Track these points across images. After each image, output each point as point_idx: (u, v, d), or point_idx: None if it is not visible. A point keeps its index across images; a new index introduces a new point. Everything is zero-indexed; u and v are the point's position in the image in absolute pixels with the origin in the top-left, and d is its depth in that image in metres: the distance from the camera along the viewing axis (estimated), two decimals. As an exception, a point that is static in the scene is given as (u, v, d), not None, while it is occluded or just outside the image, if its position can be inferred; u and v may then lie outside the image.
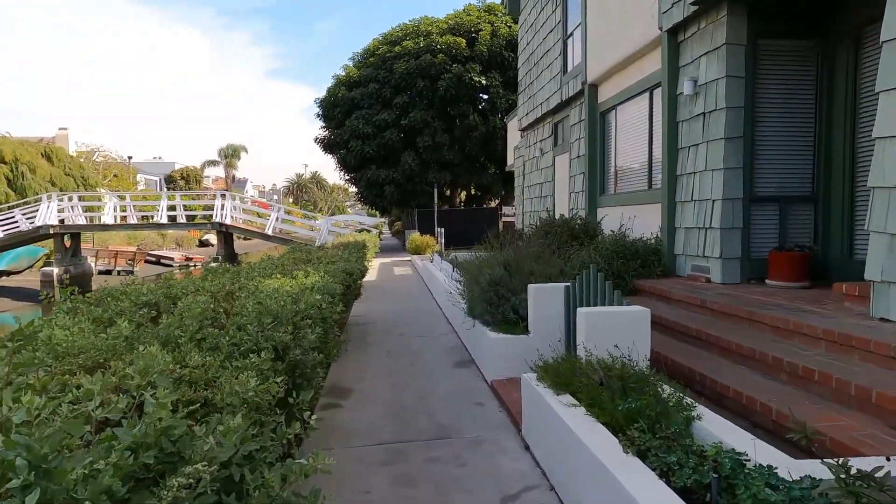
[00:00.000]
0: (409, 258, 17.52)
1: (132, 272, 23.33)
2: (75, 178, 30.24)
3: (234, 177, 59.79)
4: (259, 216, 22.47)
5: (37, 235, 19.95)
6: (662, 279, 5.90)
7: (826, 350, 3.31)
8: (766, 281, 5.23)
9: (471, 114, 23.01)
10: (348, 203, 71.91)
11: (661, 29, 6.22)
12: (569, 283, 4.11)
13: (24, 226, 20.13)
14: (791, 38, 5.40)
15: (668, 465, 2.13)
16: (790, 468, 2.01)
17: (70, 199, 21.41)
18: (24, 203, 22.28)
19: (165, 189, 44.31)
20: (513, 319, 4.43)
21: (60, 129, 39.05)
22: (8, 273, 20.92)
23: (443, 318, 7.37)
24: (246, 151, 58.88)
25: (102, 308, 3.02)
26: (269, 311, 2.53)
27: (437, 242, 17.15)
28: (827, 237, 5.43)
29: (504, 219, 23.80)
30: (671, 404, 2.65)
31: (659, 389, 2.79)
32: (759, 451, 2.16)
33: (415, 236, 18.44)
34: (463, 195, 28.90)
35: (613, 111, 8.09)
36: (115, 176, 38.53)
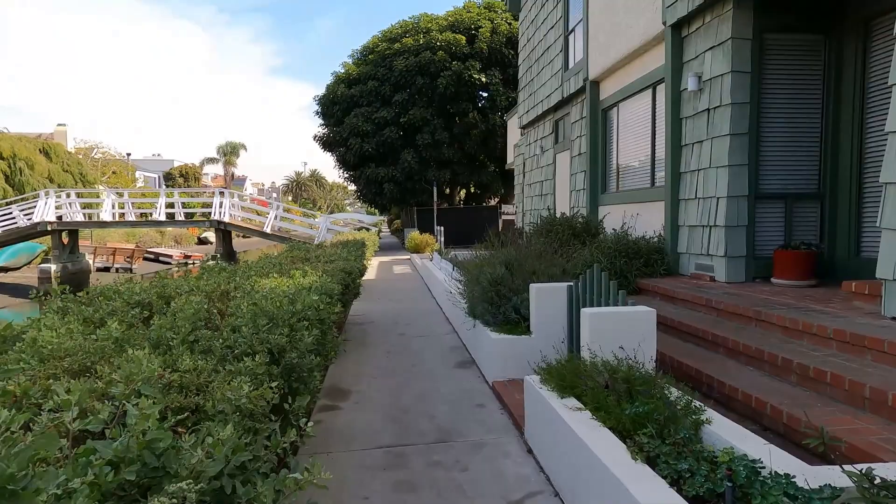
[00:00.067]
0: (408, 257, 17.44)
1: (130, 269, 23.24)
2: (74, 174, 30.10)
3: (233, 174, 59.62)
4: (258, 214, 22.37)
5: (34, 232, 19.85)
6: (666, 278, 5.81)
7: (837, 350, 3.23)
8: (772, 279, 5.15)
9: (470, 111, 22.90)
10: (347, 201, 71.80)
11: (664, 24, 6.13)
12: (571, 283, 4.02)
13: (22, 222, 20.01)
14: (798, 31, 5.31)
15: (679, 473, 2.05)
16: (807, 476, 1.93)
17: (68, 195, 21.30)
18: (22, 199, 22.16)
19: (164, 186, 44.17)
20: (514, 319, 4.35)
21: (59, 125, 38.88)
22: (6, 269, 20.82)
23: (443, 317, 7.28)
24: (245, 149, 58.70)
25: (94, 308, 2.93)
26: (265, 313, 2.44)
27: (437, 241, 17.06)
28: (833, 235, 5.35)
29: (504, 217, 23.70)
30: (679, 408, 2.57)
31: (666, 392, 2.71)
32: (774, 458, 2.08)
33: (414, 235, 18.35)
34: (462, 193, 28.80)
35: (615, 108, 8.00)
36: (113, 173, 38.39)
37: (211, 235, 31.01)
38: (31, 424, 1.20)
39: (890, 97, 4.66)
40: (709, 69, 5.52)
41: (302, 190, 69.27)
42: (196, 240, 36.15)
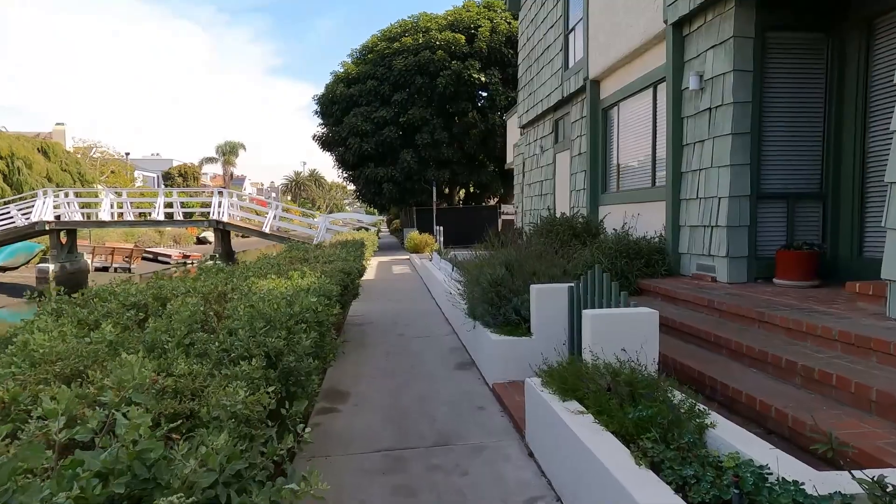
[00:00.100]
0: (407, 257, 17.39)
1: (129, 269, 23.18)
2: (72, 173, 30.02)
3: (231, 174, 59.52)
4: (257, 214, 22.32)
5: (32, 232, 19.78)
6: (667, 278, 5.78)
7: (842, 352, 3.19)
8: (774, 280, 5.12)
9: (470, 111, 22.85)
10: (347, 201, 71.74)
11: (666, 22, 6.09)
12: (572, 284, 3.98)
13: (20, 221, 19.94)
14: (799, 30, 5.27)
15: (685, 479, 2.01)
16: (815, 482, 1.89)
17: (66, 195, 21.23)
18: (20, 198, 22.08)
19: (163, 186, 44.09)
20: (515, 321, 4.30)
21: (57, 124, 38.77)
22: (4, 269, 20.75)
23: (442, 318, 7.24)
24: (244, 149, 58.61)
25: (89, 309, 2.88)
26: (262, 315, 2.40)
27: (436, 241, 17.01)
28: (836, 235, 5.31)
29: (503, 217, 23.66)
30: (683, 411, 2.53)
31: (669, 395, 2.67)
32: (782, 463, 2.04)
33: (413, 235, 18.30)
34: (462, 193, 28.75)
35: (616, 107, 7.96)
36: (112, 172, 38.29)
37: (210, 235, 30.95)
38: (17, 433, 1.16)
39: (893, 96, 4.64)
40: (710, 68, 5.48)
41: (301, 190, 69.18)
42: (195, 239, 36.08)
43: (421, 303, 8.68)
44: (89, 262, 22.13)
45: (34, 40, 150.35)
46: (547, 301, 4.04)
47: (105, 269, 22.91)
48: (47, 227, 19.33)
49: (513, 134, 15.72)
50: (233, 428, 1.63)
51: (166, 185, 44.43)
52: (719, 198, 5.35)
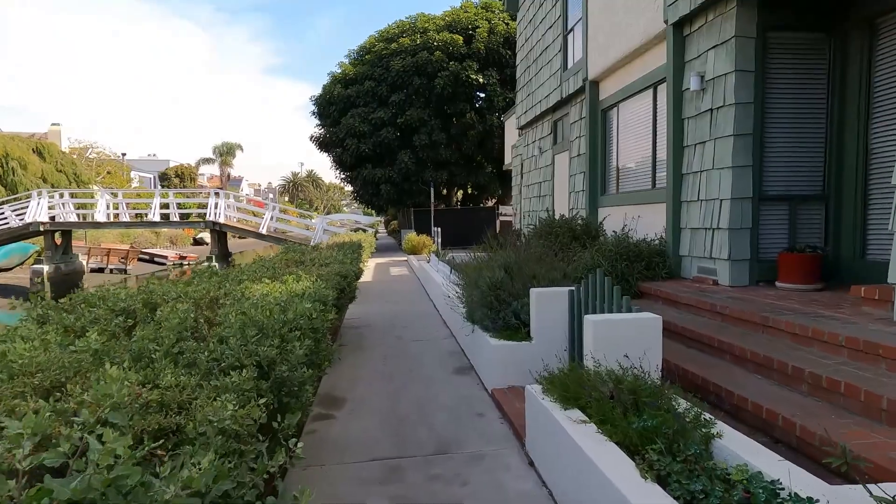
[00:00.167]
0: (405, 258, 17.31)
1: (125, 270, 23.04)
2: (67, 174, 29.84)
3: (229, 175, 59.33)
4: (254, 215, 22.20)
5: (27, 232, 19.63)
6: (668, 281, 5.71)
7: (849, 359, 3.12)
8: (776, 283, 5.05)
9: (468, 112, 22.79)
10: (344, 202, 71.64)
11: (666, 22, 6.02)
12: (573, 287, 3.91)
13: (14, 222, 19.79)
14: (802, 30, 5.21)
15: (693, 494, 1.93)
16: (829, 498, 1.82)
17: (61, 195, 21.07)
18: (15, 199, 21.93)
19: (159, 187, 43.90)
20: (514, 325, 4.23)
21: (53, 124, 38.55)
22: (-2, 270, 20.59)
23: (440, 320, 7.16)
24: (241, 149, 58.43)
25: (75, 315, 2.79)
26: (254, 323, 2.31)
27: (434, 242, 16.93)
28: (838, 237, 5.25)
29: (501, 218, 23.58)
30: (688, 420, 2.46)
31: (674, 403, 2.60)
32: (793, 477, 1.96)
33: (411, 236, 18.21)
34: (460, 194, 28.67)
35: (615, 108, 7.90)
36: (108, 173, 38.09)
37: (207, 236, 30.78)
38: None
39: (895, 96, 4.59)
40: (711, 68, 5.42)
41: (298, 190, 69.03)
42: (192, 240, 35.91)
43: (419, 305, 8.59)
44: (84, 263, 21.97)
45: (34, 40, 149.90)
46: (547, 305, 3.97)
47: (101, 270, 22.76)
48: (42, 228, 19.18)
49: (511, 135, 15.65)
50: (221, 444, 1.55)
51: (163, 186, 44.26)
52: (721, 200, 5.29)
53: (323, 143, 25.22)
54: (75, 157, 34.53)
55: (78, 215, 21.31)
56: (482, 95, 23.37)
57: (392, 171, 22.94)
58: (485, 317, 4.36)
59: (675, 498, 1.91)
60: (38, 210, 19.30)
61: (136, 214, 22.43)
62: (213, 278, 4.08)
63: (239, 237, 26.22)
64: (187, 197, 29.12)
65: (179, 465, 1.30)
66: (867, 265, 4.97)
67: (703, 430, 2.41)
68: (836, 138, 5.22)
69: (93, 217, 20.94)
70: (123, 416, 1.28)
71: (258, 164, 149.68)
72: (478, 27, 22.79)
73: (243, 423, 1.67)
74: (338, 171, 26.12)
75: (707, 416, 2.47)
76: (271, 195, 69.25)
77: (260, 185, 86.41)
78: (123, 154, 42.79)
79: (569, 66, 9.36)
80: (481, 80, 22.22)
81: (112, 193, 22.85)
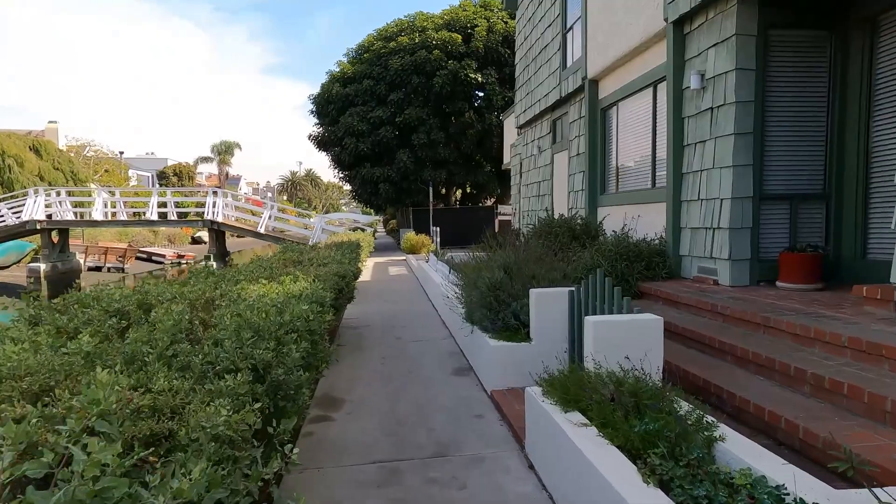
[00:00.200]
0: (403, 257, 17.27)
1: (122, 269, 22.96)
2: (65, 172, 29.73)
3: (227, 174, 59.18)
4: (253, 214, 22.13)
5: (23, 231, 19.54)
6: (668, 281, 5.68)
7: (852, 359, 3.09)
8: (777, 283, 5.02)
9: (466, 111, 22.73)
10: (343, 201, 71.53)
11: (666, 20, 5.99)
12: (573, 288, 3.87)
13: (10, 220, 19.71)
14: (803, 27, 5.18)
15: (696, 500, 1.90)
16: (834, 502, 1.79)
17: (58, 193, 20.99)
18: (11, 197, 21.84)
19: (157, 185, 43.76)
20: (514, 326, 4.19)
21: (50, 122, 38.42)
22: (-5, 269, 20.50)
23: (439, 320, 7.13)
24: (240, 148, 58.30)
25: (68, 316, 2.75)
26: (250, 325, 2.27)
27: (433, 242, 16.89)
28: (839, 236, 5.23)
29: (500, 218, 23.55)
30: (690, 423, 2.43)
31: (675, 406, 2.56)
32: (798, 481, 1.93)
33: (410, 235, 18.17)
34: (458, 194, 28.63)
35: (615, 107, 7.86)
36: (106, 171, 37.98)
37: (205, 235, 30.71)
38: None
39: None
40: (712, 67, 5.38)
41: (297, 189, 68.93)
42: (190, 239, 35.81)
43: (417, 305, 8.56)
44: (82, 261, 21.89)
45: (34, 40, 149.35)
46: (547, 306, 3.93)
47: (98, 268, 22.68)
48: (38, 227, 19.10)
49: (510, 134, 15.61)
50: (214, 450, 1.51)
51: (161, 185, 44.12)
52: (721, 199, 5.26)
53: (321, 142, 25.14)
54: (73, 155, 34.42)
55: (75, 213, 21.24)
56: (481, 94, 23.31)
57: (391, 171, 22.88)
58: (484, 317, 4.33)
59: (677, 503, 1.88)
60: (34, 208, 19.21)
61: (134, 213, 22.34)
62: (210, 279, 4.03)
63: (237, 236, 26.17)
64: (185, 196, 29.05)
65: (170, 474, 1.26)
66: (868, 265, 4.94)
67: (706, 433, 2.38)
68: (837, 136, 5.19)
69: (90, 215, 20.85)
70: (114, 422, 1.23)
71: (257, 164, 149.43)
72: (476, 26, 22.72)
73: (237, 428, 1.63)
74: (336, 171, 26.05)
75: (709, 418, 2.44)
76: (270, 194, 69.11)
77: (258, 184, 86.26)
78: (121, 152, 42.68)
79: (568, 65, 9.32)
80: (480, 78, 22.16)
81: (109, 192, 22.76)
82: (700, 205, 5.59)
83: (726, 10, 5.17)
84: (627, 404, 2.57)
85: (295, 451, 1.70)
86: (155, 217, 20.57)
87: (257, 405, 1.80)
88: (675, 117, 5.93)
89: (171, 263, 25.92)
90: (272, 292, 3.34)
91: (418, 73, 21.95)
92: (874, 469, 2.12)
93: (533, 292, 4.01)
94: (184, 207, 24.25)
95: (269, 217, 20.27)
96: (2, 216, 19.89)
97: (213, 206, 19.61)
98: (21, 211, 19.56)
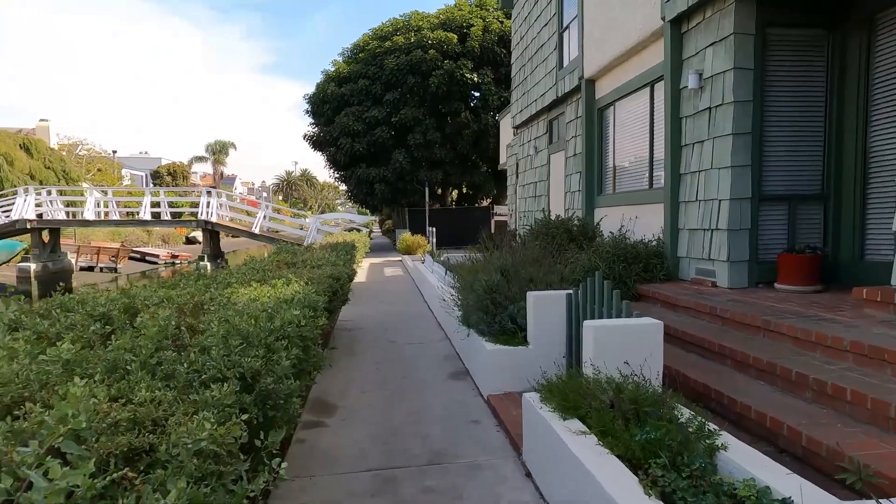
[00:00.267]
0: (399, 258, 17.18)
1: (115, 269, 22.74)
2: (56, 171, 29.45)
3: (222, 173, 58.87)
4: (248, 214, 21.97)
5: (13, 230, 19.30)
6: (666, 283, 5.63)
7: (854, 364, 3.05)
8: (776, 285, 4.98)
9: (462, 111, 22.66)
10: (339, 201, 71.35)
11: (663, 19, 5.94)
12: (571, 291, 3.81)
13: (0, 219, 19.46)
14: (801, 26, 5.14)
15: (700, 513, 1.84)
16: (843, 517, 1.73)
17: (49, 192, 20.76)
18: (1, 196, 21.57)
19: (151, 185, 43.45)
20: (511, 329, 4.12)
21: (41, 120, 38.05)
22: (-15, 269, 20.25)
23: (435, 323, 7.05)
24: (234, 148, 58.02)
25: (50, 321, 2.66)
26: (238, 331, 2.19)
27: (429, 242, 16.81)
28: (837, 237, 5.19)
29: (496, 218, 23.47)
30: (692, 431, 2.37)
31: (676, 413, 2.50)
32: (805, 494, 1.87)
33: (406, 236, 18.07)
34: (455, 194, 28.57)
35: (612, 107, 7.81)
36: (98, 170, 37.65)
37: (199, 235, 30.51)
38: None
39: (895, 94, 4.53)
40: (710, 66, 5.34)
41: (292, 189, 68.69)
42: (184, 239, 35.57)
43: (413, 306, 8.48)
44: (73, 261, 21.66)
45: (34, 40, 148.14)
46: (544, 309, 3.87)
47: (90, 268, 22.45)
48: (28, 226, 18.88)
49: (506, 134, 15.56)
50: (197, 466, 1.43)
51: (155, 184, 43.80)
52: (720, 200, 5.21)
53: (317, 142, 25.02)
54: (64, 154, 34.09)
55: (66, 213, 21.02)
56: (477, 94, 23.26)
57: (386, 171, 22.79)
58: (480, 321, 4.26)
59: (681, 516, 1.82)
60: (24, 207, 18.99)
61: (128, 213, 22.13)
62: (200, 281, 3.94)
63: (232, 236, 25.98)
64: (179, 195, 28.84)
65: (147, 494, 1.19)
66: (866, 266, 4.91)
67: (707, 441, 2.32)
68: (836, 136, 5.16)
69: (82, 215, 20.64)
70: (91, 436, 1.15)
71: (252, 163, 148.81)
72: (472, 25, 22.67)
73: (222, 442, 1.55)
74: (332, 171, 25.93)
75: (711, 426, 2.37)
76: (265, 194, 68.82)
77: (254, 184, 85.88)
78: (114, 151, 42.33)
79: (564, 65, 9.27)
80: (476, 78, 22.11)
81: (102, 191, 22.54)
82: (698, 206, 5.54)
83: (724, 8, 5.12)
84: (627, 411, 2.50)
85: (283, 465, 1.62)
86: (148, 217, 20.38)
87: (244, 416, 1.72)
88: (672, 117, 5.88)
89: (165, 263, 25.73)
90: (263, 296, 3.26)
91: (414, 73, 21.87)
92: (882, 481, 2.06)
93: (530, 295, 3.95)
94: (178, 207, 24.06)
95: (264, 217, 20.13)
96: (-8, 215, 19.66)
97: (208, 206, 19.45)
98: (10, 210, 19.33)
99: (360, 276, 12.53)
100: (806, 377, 2.95)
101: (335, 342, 6.01)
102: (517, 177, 12.80)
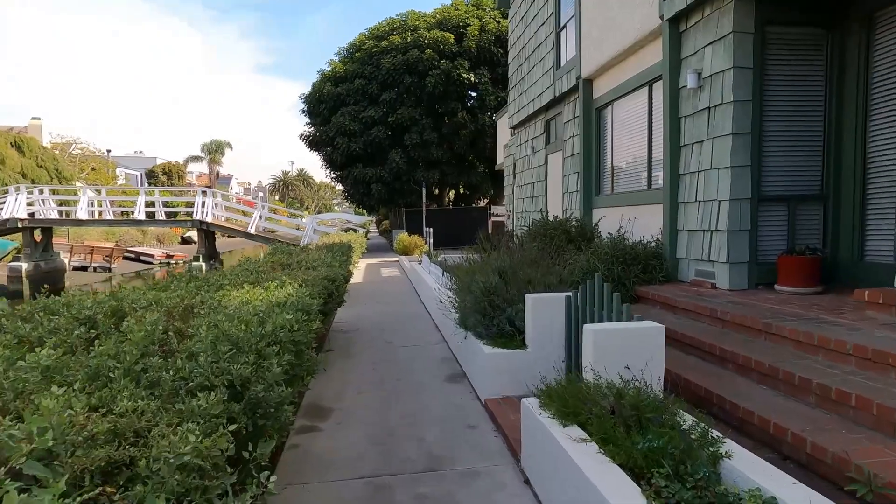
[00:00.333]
0: (396, 259, 17.09)
1: (109, 269, 22.54)
2: (49, 170, 29.19)
3: (218, 173, 58.56)
4: (244, 214, 21.83)
5: (3, 229, 19.10)
6: (665, 285, 5.57)
7: (857, 368, 2.99)
8: (776, 286, 4.94)
9: (459, 111, 22.60)
10: (335, 201, 71.13)
11: (662, 18, 5.88)
12: (570, 293, 3.75)
13: (-9, 218, 19.27)
14: (800, 25, 5.09)
15: (706, 525, 1.78)
16: (854, 530, 1.67)
17: (41, 191, 20.55)
18: (-8, 194, 21.36)
19: (145, 184, 43.16)
20: (509, 332, 4.05)
21: (33, 118, 37.75)
22: (-24, 269, 20.02)
23: (432, 324, 6.98)
24: (230, 147, 57.70)
25: (32, 325, 2.57)
26: (228, 337, 2.11)
27: (426, 243, 16.74)
28: (836, 238, 5.15)
29: (493, 218, 23.44)
30: (694, 438, 2.31)
31: (678, 419, 2.44)
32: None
33: (402, 236, 17.99)
34: (452, 194, 28.50)
35: (610, 107, 7.76)
36: (92, 169, 37.35)
37: (195, 235, 30.31)
38: None
39: (894, 94, 4.49)
40: (709, 65, 5.29)
41: (289, 189, 68.44)
42: (179, 239, 35.34)
43: (410, 307, 8.40)
44: (67, 261, 21.46)
45: (34, 40, 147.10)
46: (543, 311, 3.80)
47: (84, 268, 22.24)
48: (20, 225, 18.68)
49: (503, 134, 15.51)
50: (180, 481, 1.35)
51: (150, 184, 43.52)
52: (719, 201, 5.16)
53: (313, 142, 24.89)
54: (58, 152, 33.82)
55: (59, 212, 20.83)
56: (474, 94, 23.20)
57: (383, 171, 22.69)
58: (478, 323, 4.19)
59: (686, 529, 1.76)
60: (15, 206, 18.79)
61: (122, 212, 21.95)
62: (191, 283, 3.85)
63: (228, 236, 25.83)
64: (175, 195, 28.63)
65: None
66: (866, 267, 4.87)
67: (711, 448, 2.26)
68: (835, 136, 5.12)
69: (75, 214, 20.45)
70: (64, 449, 1.07)
71: (248, 163, 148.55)
72: (469, 25, 22.60)
73: (209, 453, 1.47)
74: (328, 171, 25.81)
75: (715, 433, 2.31)
76: (261, 194, 68.54)
77: (250, 184, 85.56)
78: (108, 150, 42.05)
79: (562, 64, 9.21)
80: (473, 78, 22.04)
81: (95, 190, 22.33)
82: (697, 206, 5.49)
83: (723, 6, 5.07)
84: (629, 418, 2.44)
85: (273, 478, 1.55)
86: (142, 216, 20.22)
87: (232, 427, 1.64)
88: (671, 117, 5.83)
89: (160, 264, 25.54)
90: (256, 299, 3.18)
91: (410, 73, 21.79)
92: (893, 492, 2.01)
93: (529, 297, 3.88)
94: (173, 207, 23.89)
95: (260, 217, 20.01)
96: (-19, 214, 19.44)
97: (203, 206, 19.32)
98: (1, 209, 19.13)
99: (357, 277, 12.45)
100: (809, 381, 2.90)
101: (331, 344, 5.93)
102: (514, 177, 12.74)
